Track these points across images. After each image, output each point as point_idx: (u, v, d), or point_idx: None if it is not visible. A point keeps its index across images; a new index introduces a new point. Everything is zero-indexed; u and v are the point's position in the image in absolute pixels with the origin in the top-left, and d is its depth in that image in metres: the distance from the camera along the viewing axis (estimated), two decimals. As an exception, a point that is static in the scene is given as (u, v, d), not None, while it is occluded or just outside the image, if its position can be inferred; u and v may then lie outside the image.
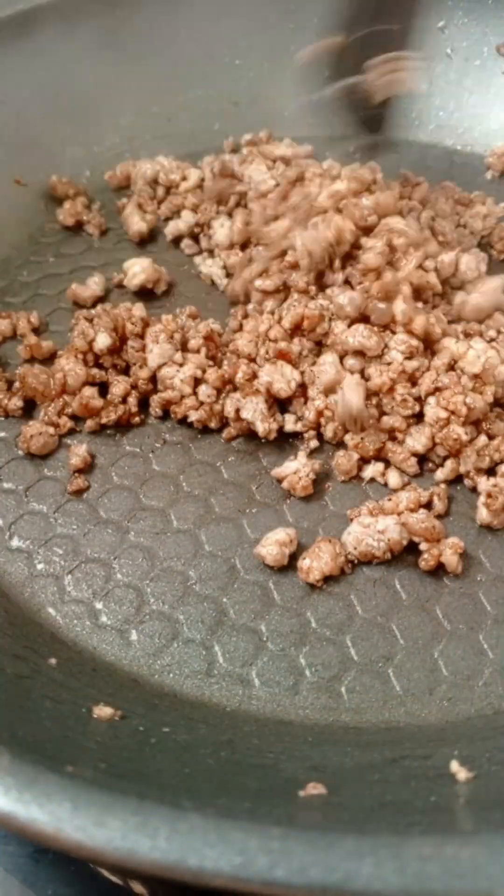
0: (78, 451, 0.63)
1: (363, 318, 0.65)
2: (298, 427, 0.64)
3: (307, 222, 0.69)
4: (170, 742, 0.46)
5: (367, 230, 0.68)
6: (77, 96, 0.90)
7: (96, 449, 0.65)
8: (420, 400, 0.63)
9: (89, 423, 0.66)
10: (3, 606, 0.56)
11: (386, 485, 0.62)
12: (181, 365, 0.66)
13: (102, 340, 0.66)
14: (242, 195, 0.81)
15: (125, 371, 0.68)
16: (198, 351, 0.67)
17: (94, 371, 0.67)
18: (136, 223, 0.82)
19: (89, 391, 0.65)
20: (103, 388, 0.67)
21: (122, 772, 0.41)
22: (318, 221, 0.68)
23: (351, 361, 0.64)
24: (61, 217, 0.85)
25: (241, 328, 0.70)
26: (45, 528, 0.60)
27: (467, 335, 0.66)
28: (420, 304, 0.66)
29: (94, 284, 0.77)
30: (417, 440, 0.62)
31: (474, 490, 0.61)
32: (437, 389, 0.62)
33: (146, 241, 0.83)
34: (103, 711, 0.47)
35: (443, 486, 0.61)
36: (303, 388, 0.65)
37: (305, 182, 0.76)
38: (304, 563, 0.56)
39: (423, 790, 0.42)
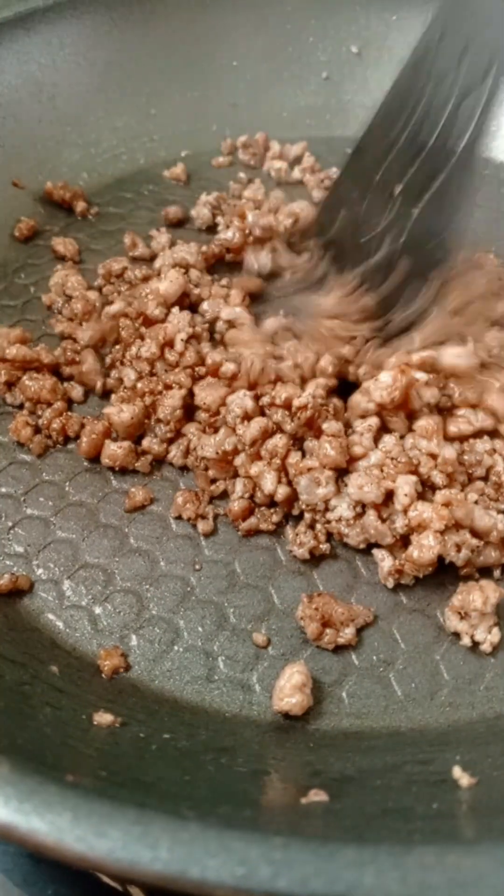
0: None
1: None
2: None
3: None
4: (170, 749, 0.46)
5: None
6: (74, 98, 0.90)
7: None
8: None
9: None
10: (3, 612, 0.55)
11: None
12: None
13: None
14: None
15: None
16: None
17: None
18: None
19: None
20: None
21: (123, 780, 0.40)
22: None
23: None
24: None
25: None
26: (43, 533, 0.60)
27: None
28: None
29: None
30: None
31: None
32: None
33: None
34: (103, 718, 0.47)
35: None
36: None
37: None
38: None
39: (425, 796, 0.42)
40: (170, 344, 0.67)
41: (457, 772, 0.44)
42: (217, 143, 0.95)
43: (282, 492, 0.59)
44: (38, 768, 0.35)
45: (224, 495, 0.62)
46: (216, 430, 0.62)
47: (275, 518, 0.60)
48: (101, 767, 0.42)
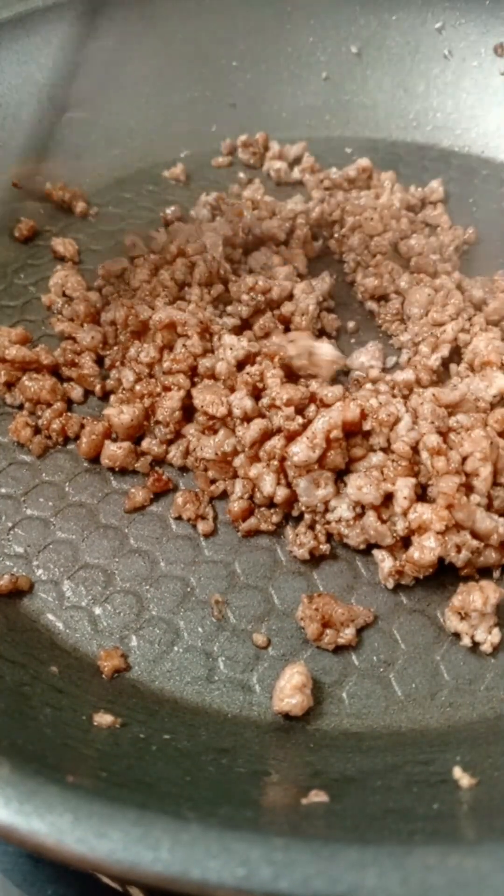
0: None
1: None
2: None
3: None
4: (170, 749, 0.46)
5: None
6: (73, 99, 0.90)
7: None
8: None
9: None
10: (3, 612, 0.55)
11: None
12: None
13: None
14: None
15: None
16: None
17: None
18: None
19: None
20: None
21: (123, 780, 0.40)
22: None
23: None
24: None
25: None
26: (43, 534, 0.60)
27: None
28: None
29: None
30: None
31: None
32: None
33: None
34: (103, 719, 0.47)
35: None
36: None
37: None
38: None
39: (425, 797, 0.42)
40: (169, 347, 0.67)
41: (457, 772, 0.44)
42: (217, 143, 0.95)
43: (281, 493, 0.59)
44: (39, 769, 0.35)
45: (224, 496, 0.62)
46: (215, 432, 0.62)
47: (274, 518, 0.60)
48: (102, 768, 0.42)
